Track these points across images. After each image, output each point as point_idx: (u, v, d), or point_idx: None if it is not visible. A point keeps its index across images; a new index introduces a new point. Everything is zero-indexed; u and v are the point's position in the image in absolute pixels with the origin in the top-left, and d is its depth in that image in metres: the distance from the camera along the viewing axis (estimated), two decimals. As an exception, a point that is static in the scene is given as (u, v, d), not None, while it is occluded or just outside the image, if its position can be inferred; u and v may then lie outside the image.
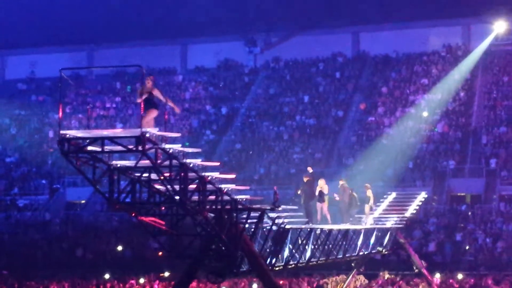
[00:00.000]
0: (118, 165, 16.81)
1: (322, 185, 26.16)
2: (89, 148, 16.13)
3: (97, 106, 61.46)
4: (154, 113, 17.50)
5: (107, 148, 16.05)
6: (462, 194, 46.46)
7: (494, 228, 41.75)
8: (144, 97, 17.42)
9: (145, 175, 16.91)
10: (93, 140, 16.04)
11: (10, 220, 49.93)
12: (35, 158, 55.78)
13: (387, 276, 33.44)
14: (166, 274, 36.13)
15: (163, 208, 17.94)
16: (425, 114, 51.93)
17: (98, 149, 16.02)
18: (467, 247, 40.22)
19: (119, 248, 44.20)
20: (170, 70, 64.16)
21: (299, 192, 26.08)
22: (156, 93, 17.64)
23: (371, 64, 60.47)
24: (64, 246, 46.14)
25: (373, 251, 28.76)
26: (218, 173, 18.10)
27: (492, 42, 56.84)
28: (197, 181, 17.11)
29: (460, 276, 32.89)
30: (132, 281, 33.04)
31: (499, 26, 56.52)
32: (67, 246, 46.05)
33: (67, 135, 15.98)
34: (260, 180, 48.45)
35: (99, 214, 49.71)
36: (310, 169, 26.38)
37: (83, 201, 51.57)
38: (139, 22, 61.80)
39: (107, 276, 35.60)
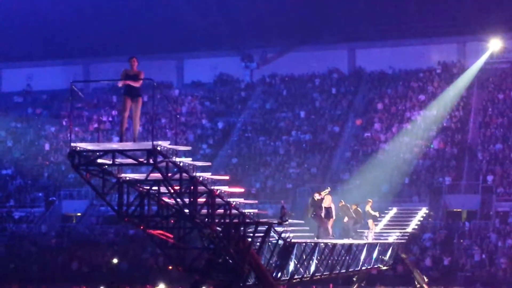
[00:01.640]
0: (127, 178, 16.81)
1: (329, 202, 26.18)
2: (100, 161, 16.12)
3: (93, 120, 61.46)
4: (141, 103, 17.09)
5: (117, 161, 16.03)
6: (458, 210, 46.60)
7: (490, 244, 41.85)
8: (130, 83, 16.82)
9: (154, 188, 16.89)
10: (104, 153, 16.03)
11: (5, 232, 49.81)
12: (31, 170, 55.71)
13: None
14: (161, 286, 36.11)
15: (171, 221, 17.92)
16: (421, 130, 52.17)
17: (109, 162, 16.00)
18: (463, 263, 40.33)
19: (115, 260, 44.11)
20: (167, 84, 64.27)
21: (310, 214, 25.91)
22: (142, 76, 17.11)
23: (367, 80, 60.72)
24: (60, 258, 46.03)
25: (375, 266, 28.82)
26: (227, 187, 18.14)
27: (487, 60, 57.18)
28: (206, 194, 17.12)
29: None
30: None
31: (494, 44, 56.90)
32: (63, 259, 45.95)
33: (78, 148, 15.98)
34: (256, 195, 48.47)
35: (94, 227, 49.68)
36: (317, 195, 26.35)
37: (79, 214, 51.49)
38: (136, 36, 61.89)
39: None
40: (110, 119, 61.28)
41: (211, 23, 60.47)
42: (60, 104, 64.80)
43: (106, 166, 16.30)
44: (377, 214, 30.17)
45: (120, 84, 17.01)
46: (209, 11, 61.04)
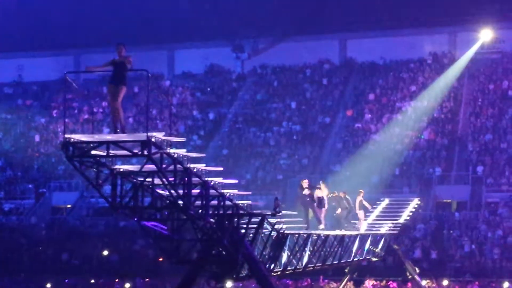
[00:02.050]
0: (121, 170, 16.74)
1: (323, 190, 26.10)
2: (94, 152, 16.04)
3: (84, 111, 61.31)
4: (124, 92, 16.78)
5: (112, 152, 15.94)
6: (448, 200, 46.66)
7: (479, 235, 41.95)
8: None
9: (148, 179, 16.83)
10: (98, 144, 15.94)
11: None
12: (21, 162, 55.53)
13: (372, 282, 33.53)
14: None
15: (165, 213, 17.89)
16: (412, 121, 52.22)
17: (103, 153, 15.91)
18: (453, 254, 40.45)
19: (105, 252, 44.07)
20: (157, 75, 64.08)
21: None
22: (130, 60, 16.86)
23: (358, 71, 60.69)
24: (50, 250, 45.94)
25: (367, 257, 28.85)
26: (221, 178, 18.11)
27: (478, 50, 57.16)
28: (200, 186, 17.06)
29: (445, 282, 33.02)
30: (118, 286, 32.98)
31: (485, 35, 56.84)
32: (53, 251, 45.85)
33: (72, 139, 15.89)
34: (246, 186, 48.43)
35: (85, 218, 49.61)
36: (305, 183, 26.30)
37: (69, 206, 51.39)
38: (126, 27, 61.61)
39: (92, 281, 35.55)
40: (101, 110, 61.11)
41: (202, 13, 60.34)
42: (50, 95, 64.68)
43: (100, 158, 16.19)
44: (369, 206, 30.16)
45: (97, 69, 17.04)
46: (200, 2, 60.91)
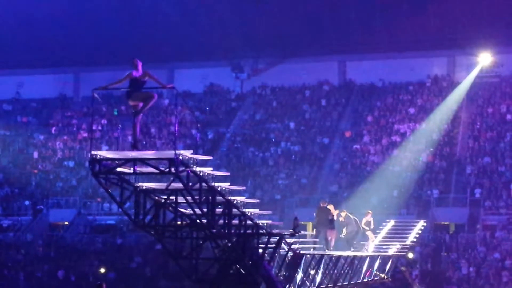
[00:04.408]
0: (144, 187, 16.73)
1: (333, 212, 26.07)
2: (121, 169, 16.01)
3: (82, 128, 61.37)
4: (142, 106, 16.66)
5: (138, 169, 15.89)
6: (446, 223, 46.65)
7: (477, 257, 41.93)
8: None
9: (171, 197, 16.78)
10: (125, 162, 15.93)
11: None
12: (19, 178, 55.45)
13: None
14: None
15: (189, 231, 17.82)
16: (410, 143, 52.32)
17: (129, 170, 15.88)
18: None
19: (102, 270, 43.94)
20: (157, 94, 64.11)
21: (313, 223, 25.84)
22: (151, 78, 16.80)
23: (357, 92, 60.90)
24: (46, 267, 45.80)
25: (376, 278, 28.75)
26: (243, 197, 18.12)
27: (477, 74, 57.46)
28: (223, 205, 17.03)
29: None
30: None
31: (484, 59, 57.16)
32: (49, 268, 45.71)
33: (98, 156, 15.88)
34: (244, 206, 48.36)
35: (82, 236, 49.48)
36: (323, 202, 26.28)
37: (66, 223, 51.28)
38: (127, 45, 61.75)
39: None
40: (100, 128, 61.15)
41: (202, 33, 60.52)
42: (49, 112, 64.74)
43: (127, 175, 16.14)
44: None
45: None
46: (200, 22, 61.09)
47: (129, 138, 55.30)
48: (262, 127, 58.37)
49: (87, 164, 51.94)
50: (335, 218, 25.94)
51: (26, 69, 66.82)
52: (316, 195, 49.26)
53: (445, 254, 42.84)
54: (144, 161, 15.73)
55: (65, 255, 46.35)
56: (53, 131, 61.13)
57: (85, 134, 60.82)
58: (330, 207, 26.22)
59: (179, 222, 17.49)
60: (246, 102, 62.65)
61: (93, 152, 15.77)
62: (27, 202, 52.97)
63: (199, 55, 62.69)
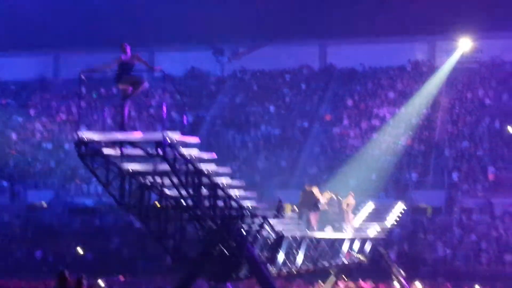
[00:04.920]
0: (130, 169, 16.61)
1: (318, 194, 26.03)
2: (108, 151, 15.87)
3: (61, 111, 61.06)
4: (140, 88, 16.65)
5: (126, 152, 15.73)
6: (423, 205, 46.86)
7: (453, 239, 42.21)
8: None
9: (157, 179, 16.67)
10: (112, 143, 15.78)
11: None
12: (-3, 160, 55.21)
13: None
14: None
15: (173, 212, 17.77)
16: (390, 127, 52.49)
17: (116, 152, 15.73)
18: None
19: (80, 251, 43.84)
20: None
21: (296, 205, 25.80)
22: (140, 61, 16.71)
23: (337, 76, 60.93)
24: (24, 248, 45.65)
25: (355, 260, 28.84)
26: (229, 179, 18.07)
27: (457, 59, 57.64)
28: (209, 187, 16.97)
29: (418, 284, 33.12)
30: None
31: (464, 44, 57.34)
32: (27, 249, 45.56)
33: (85, 138, 15.72)
34: (229, 188, 48.38)
35: (60, 217, 49.33)
36: (308, 186, 26.28)
37: (44, 204, 51.06)
38: (106, 28, 61.53)
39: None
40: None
41: (184, 16, 60.32)
42: (28, 94, 64.37)
43: (113, 157, 16.00)
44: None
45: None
46: (181, 5, 60.89)
47: (109, 121, 55.19)
48: (242, 111, 58.32)
49: (66, 146, 51.91)
50: (321, 201, 25.91)
51: (5, 51, 66.32)
52: (295, 178, 49.40)
53: (422, 236, 43.05)
54: (131, 143, 15.59)
55: (43, 236, 46.19)
56: (32, 113, 60.78)
57: (64, 117, 60.54)
58: (315, 190, 26.20)
59: (164, 204, 17.45)
60: (227, 85, 62.57)
61: (80, 134, 15.58)
62: (5, 183, 52.73)
63: (180, 38, 62.45)
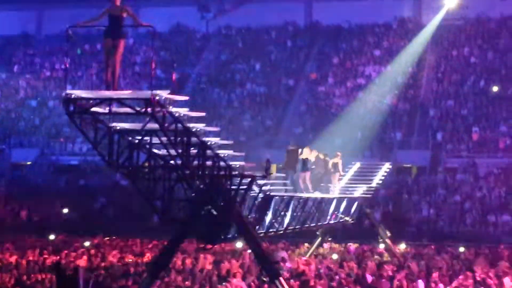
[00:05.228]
0: (118, 128, 16.45)
1: (307, 153, 26.00)
2: (97, 109, 15.67)
3: (45, 67, 60.56)
4: (122, 46, 15.89)
5: (114, 109, 15.53)
6: (408, 165, 47.13)
7: (438, 199, 42.54)
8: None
9: (146, 138, 16.56)
10: (100, 101, 15.58)
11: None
12: (-20, 118, 54.86)
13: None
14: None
15: (162, 172, 17.72)
16: (375, 86, 52.47)
17: (105, 110, 15.56)
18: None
19: (65, 210, 43.85)
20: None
21: (281, 165, 25.78)
22: (129, 14, 15.76)
23: (323, 34, 60.60)
24: (9, 207, 45.60)
25: (341, 220, 28.97)
26: (218, 138, 17.98)
27: (443, 16, 57.38)
28: (198, 146, 16.86)
29: (402, 246, 33.39)
30: (77, 244, 32.84)
31: (450, 1, 57.03)
32: (12, 208, 45.51)
33: (73, 95, 15.50)
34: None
35: (45, 176, 49.23)
36: (292, 145, 26.23)
37: (29, 163, 50.92)
38: (91, -17, 60.67)
39: (52, 237, 35.38)
40: (63, 67, 60.40)
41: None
42: (12, 50, 63.67)
43: (103, 115, 15.80)
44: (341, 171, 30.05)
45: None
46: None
47: (94, 77, 54.67)
48: (228, 68, 58.04)
49: (50, 103, 51.49)
50: (311, 159, 25.86)
51: (-13, 7, 65.50)
52: (281, 137, 49.40)
53: (407, 196, 43.36)
54: (119, 101, 15.39)
55: (27, 195, 46.05)
56: (15, 70, 60.22)
57: (48, 73, 60.07)
58: (306, 149, 26.13)
59: (153, 163, 17.38)
60: (212, 42, 62.14)
61: (67, 92, 15.35)
62: (-12, 142, 52.52)
63: (165, -6, 61.87)
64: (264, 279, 20.05)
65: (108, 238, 36.10)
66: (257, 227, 19.97)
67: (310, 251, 31.20)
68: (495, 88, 50.55)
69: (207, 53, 60.83)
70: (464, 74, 52.93)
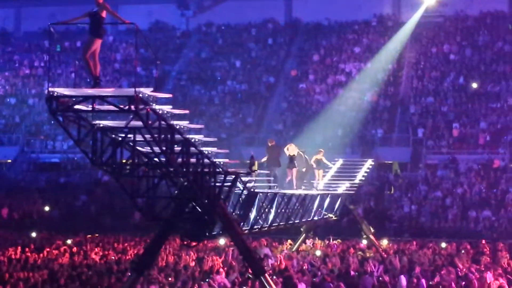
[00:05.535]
0: (101, 125, 16.38)
1: (294, 150, 26.03)
2: (80, 107, 15.60)
3: (24, 65, 60.17)
4: (97, 44, 16.04)
5: (97, 107, 15.49)
6: (389, 162, 47.34)
7: (419, 195, 42.76)
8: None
9: (129, 135, 16.50)
10: (84, 99, 15.51)
11: None
12: (-39, 116, 54.44)
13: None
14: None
15: (146, 169, 17.67)
16: (355, 83, 52.66)
17: (88, 108, 15.51)
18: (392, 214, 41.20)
19: (46, 208, 43.63)
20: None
21: (264, 159, 25.81)
22: (108, 12, 15.96)
23: (303, 31, 60.73)
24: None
25: (325, 217, 29.05)
26: (202, 136, 17.96)
27: (422, 13, 57.62)
28: (181, 143, 16.84)
29: (385, 242, 33.53)
30: (59, 242, 32.66)
31: (429, -2, 57.32)
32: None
33: (55, 93, 15.41)
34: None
35: (25, 174, 48.96)
36: (271, 141, 26.31)
37: (9, 161, 50.61)
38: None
39: (33, 235, 35.18)
40: (42, 64, 60.08)
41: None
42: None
43: (86, 113, 15.74)
44: (329, 164, 30.16)
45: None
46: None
47: (73, 75, 54.28)
48: (208, 65, 57.98)
49: (30, 101, 51.12)
50: (293, 155, 25.93)
51: (-36, 4, 65.05)
52: (261, 134, 49.48)
53: (388, 192, 43.55)
54: (103, 99, 15.35)
55: (8, 193, 45.79)
56: (-6, 67, 59.90)
57: (28, 71, 59.69)
58: (291, 146, 26.21)
59: (136, 161, 17.32)
60: (192, 39, 62.06)
61: (50, 89, 15.27)
62: (-33, 140, 52.13)
63: (145, -9, 61.72)
64: (250, 275, 20.07)
65: (90, 235, 35.92)
66: (241, 224, 19.99)
67: (295, 247, 31.26)
68: (474, 85, 50.88)
69: (187, 51, 60.75)
70: (444, 71, 53.23)
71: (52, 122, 49.14)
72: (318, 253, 29.74)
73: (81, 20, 16.15)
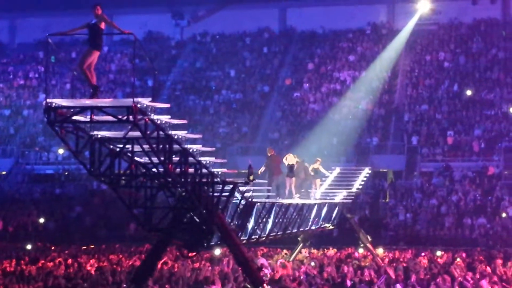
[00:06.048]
0: (99, 136, 16.34)
1: (293, 159, 26.04)
2: (78, 118, 15.57)
3: (18, 76, 60.14)
4: (95, 56, 16.07)
5: (95, 118, 15.46)
6: (384, 170, 47.34)
7: (414, 203, 42.76)
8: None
9: (127, 146, 16.48)
10: (81, 110, 15.48)
11: None
12: (-45, 127, 54.31)
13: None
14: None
15: (144, 180, 17.64)
16: (350, 91, 52.71)
17: (86, 118, 15.48)
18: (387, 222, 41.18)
19: (41, 220, 43.55)
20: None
21: (262, 169, 25.78)
22: (107, 23, 16.08)
23: (297, 39, 60.82)
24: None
25: (322, 226, 29.03)
26: (200, 146, 17.94)
27: (416, 21, 57.79)
28: (180, 153, 16.80)
29: (380, 250, 33.51)
30: (54, 253, 32.56)
31: (423, 6, 57.44)
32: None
33: (54, 104, 15.39)
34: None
35: (20, 185, 48.85)
36: (270, 150, 26.34)
37: (3, 172, 50.51)
38: (63, -9, 60.56)
39: (29, 246, 35.09)
40: (37, 75, 60.05)
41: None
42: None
43: (84, 123, 15.72)
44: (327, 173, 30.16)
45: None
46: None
47: (67, 86, 54.26)
48: (203, 75, 58.02)
49: (25, 112, 51.07)
50: (292, 164, 25.94)
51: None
52: (256, 143, 49.49)
53: (383, 200, 43.55)
54: (101, 109, 15.32)
55: (3, 205, 45.70)
56: (-12, 78, 59.83)
57: (22, 82, 59.64)
58: (290, 156, 26.24)
59: (134, 171, 17.27)
60: (186, 49, 62.10)
61: (48, 100, 15.24)
62: (-38, 152, 52.00)
63: (139, 1, 61.66)
64: (248, 286, 20.03)
65: (85, 247, 35.85)
66: (239, 234, 19.96)
67: (292, 257, 31.23)
68: (468, 92, 50.99)
69: (182, 60, 60.78)
70: (438, 78, 53.35)
71: (47, 133, 49.15)
72: (313, 264, 29.72)
73: (77, 31, 16.19)
